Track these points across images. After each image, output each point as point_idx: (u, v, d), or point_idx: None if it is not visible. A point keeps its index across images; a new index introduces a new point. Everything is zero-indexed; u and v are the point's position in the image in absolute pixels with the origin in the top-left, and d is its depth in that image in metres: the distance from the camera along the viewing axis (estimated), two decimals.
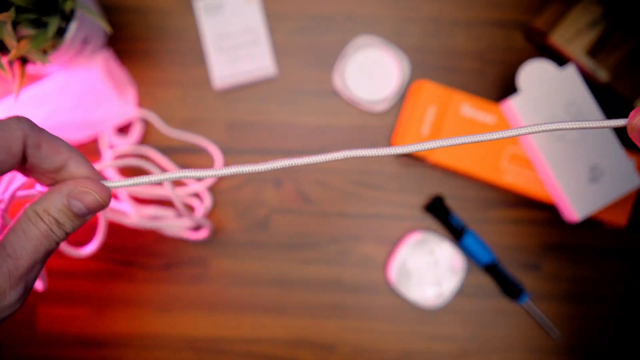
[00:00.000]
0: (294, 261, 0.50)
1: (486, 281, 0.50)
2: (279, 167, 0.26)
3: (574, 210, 0.45)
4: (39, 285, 0.37)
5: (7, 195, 0.28)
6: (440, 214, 0.49)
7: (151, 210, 0.49)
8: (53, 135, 0.26)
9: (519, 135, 0.26)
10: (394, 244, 0.50)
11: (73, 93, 0.46)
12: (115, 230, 0.50)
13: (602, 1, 0.47)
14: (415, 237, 0.49)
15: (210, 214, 0.50)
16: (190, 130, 0.50)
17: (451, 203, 0.50)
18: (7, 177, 0.36)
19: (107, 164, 0.38)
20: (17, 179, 0.30)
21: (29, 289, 0.25)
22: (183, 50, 0.51)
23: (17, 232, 0.25)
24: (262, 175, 0.50)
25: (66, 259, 0.50)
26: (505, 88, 0.50)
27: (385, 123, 0.50)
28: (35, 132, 0.25)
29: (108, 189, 0.26)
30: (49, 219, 0.25)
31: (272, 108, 0.50)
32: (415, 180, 0.50)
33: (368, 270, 0.50)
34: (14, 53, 0.36)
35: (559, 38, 0.47)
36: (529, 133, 0.26)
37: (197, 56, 0.50)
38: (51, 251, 0.26)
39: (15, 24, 0.37)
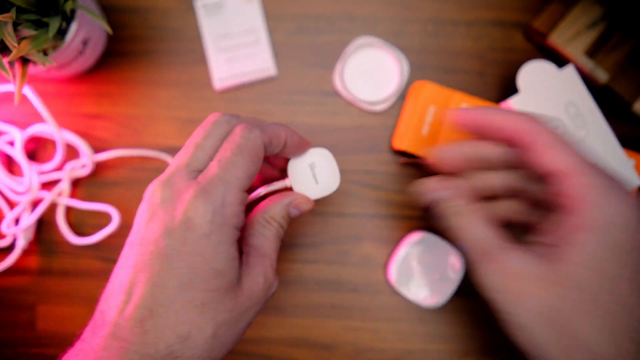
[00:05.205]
0: (294, 261, 0.50)
1: None
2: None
3: None
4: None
5: (264, 191, 0.37)
6: None
7: None
8: (269, 124, 0.35)
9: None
10: (394, 244, 0.50)
11: None
12: (115, 229, 0.50)
13: (601, 1, 0.47)
14: (415, 237, 0.49)
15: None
16: (190, 130, 0.50)
17: None
18: None
19: None
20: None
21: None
22: (183, 50, 0.51)
23: (259, 237, 0.33)
24: None
25: (66, 259, 0.50)
26: (505, 88, 0.50)
27: (385, 123, 0.50)
28: (264, 132, 0.34)
29: (311, 199, 0.36)
30: (276, 223, 0.34)
31: (272, 108, 0.51)
32: (415, 180, 0.50)
33: (368, 270, 0.50)
34: (14, 53, 0.37)
35: (558, 38, 0.47)
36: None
37: (197, 56, 0.51)
38: (279, 246, 0.35)
39: (15, 25, 0.37)
